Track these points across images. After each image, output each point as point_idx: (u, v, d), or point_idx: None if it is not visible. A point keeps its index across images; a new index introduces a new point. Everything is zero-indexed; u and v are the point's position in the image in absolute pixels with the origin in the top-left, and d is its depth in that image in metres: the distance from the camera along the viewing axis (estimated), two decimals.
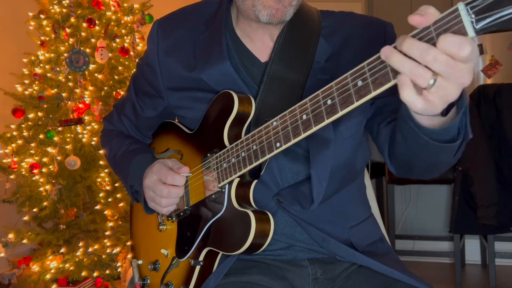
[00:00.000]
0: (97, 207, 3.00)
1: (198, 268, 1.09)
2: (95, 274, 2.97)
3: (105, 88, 3.10)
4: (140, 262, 1.27)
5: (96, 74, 3.10)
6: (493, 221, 2.83)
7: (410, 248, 3.56)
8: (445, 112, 0.78)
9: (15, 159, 3.00)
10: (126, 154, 1.26)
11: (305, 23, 1.10)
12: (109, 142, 1.33)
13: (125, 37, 3.21)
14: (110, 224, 3.00)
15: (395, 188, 3.49)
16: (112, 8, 3.17)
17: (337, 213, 1.11)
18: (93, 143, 3.01)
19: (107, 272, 2.98)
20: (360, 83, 0.77)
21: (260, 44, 1.11)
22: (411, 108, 0.71)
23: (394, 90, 1.02)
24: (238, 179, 1.04)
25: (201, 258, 1.09)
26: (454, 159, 0.91)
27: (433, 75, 0.67)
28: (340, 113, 0.81)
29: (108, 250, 2.97)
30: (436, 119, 0.80)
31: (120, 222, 3.03)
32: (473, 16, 0.64)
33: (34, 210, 3.03)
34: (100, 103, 3.00)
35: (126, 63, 3.20)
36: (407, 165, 1.00)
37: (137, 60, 3.18)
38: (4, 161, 3.03)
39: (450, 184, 3.24)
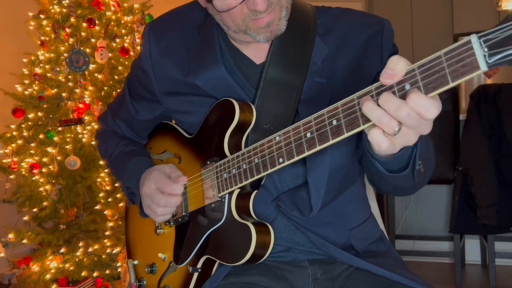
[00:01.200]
0: (97, 207, 3.00)
1: (196, 274, 1.09)
2: (95, 274, 2.97)
3: (105, 88, 3.10)
4: (136, 262, 1.27)
5: (96, 74, 3.10)
6: (493, 221, 2.83)
7: (410, 248, 3.56)
8: None
9: (15, 159, 3.00)
10: (122, 156, 1.25)
11: (300, 22, 1.08)
12: (104, 142, 1.32)
13: (125, 37, 3.21)
14: (110, 224, 3.00)
15: None
16: (112, 8, 3.17)
17: (338, 216, 1.11)
18: (93, 143, 3.01)
19: (107, 272, 2.98)
20: None
21: (255, 46, 1.09)
22: (376, 148, 0.76)
23: None
24: (239, 190, 1.03)
25: (199, 265, 1.08)
26: (418, 185, 0.96)
27: (398, 124, 0.72)
28: (346, 135, 0.79)
29: (108, 250, 2.97)
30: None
31: (120, 222, 3.03)
32: (486, 49, 0.62)
33: (34, 210, 3.03)
34: (100, 103, 3.00)
35: (126, 63, 3.20)
36: (378, 185, 1.06)
37: None
38: (4, 161, 3.03)
39: (450, 184, 3.24)
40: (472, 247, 3.42)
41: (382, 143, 0.75)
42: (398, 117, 0.70)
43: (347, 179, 1.11)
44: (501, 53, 0.61)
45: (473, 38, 0.63)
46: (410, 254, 3.45)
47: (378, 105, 0.72)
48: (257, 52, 1.09)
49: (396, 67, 0.70)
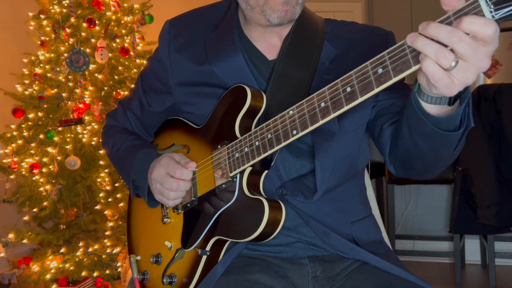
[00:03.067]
0: (97, 207, 3.00)
1: (204, 258, 1.10)
2: (95, 274, 2.97)
3: (105, 88, 3.10)
4: (138, 258, 1.27)
5: (96, 74, 3.10)
6: (493, 221, 2.83)
7: (410, 248, 3.56)
8: (452, 102, 0.84)
9: (15, 159, 3.00)
10: (130, 149, 1.27)
11: (310, 27, 1.15)
12: (112, 137, 1.34)
13: (125, 37, 3.21)
14: (110, 224, 3.00)
15: (395, 188, 3.49)
16: (112, 8, 3.17)
17: (338, 208, 1.13)
18: (93, 143, 3.01)
19: (107, 272, 2.98)
20: (380, 70, 0.80)
21: (267, 45, 1.16)
22: (431, 78, 0.74)
23: (399, 92, 1.06)
24: (250, 168, 1.05)
25: (208, 248, 1.10)
26: (453, 155, 0.96)
27: (455, 57, 0.72)
28: (360, 99, 0.83)
29: (108, 250, 2.97)
30: (443, 109, 0.86)
31: (120, 222, 3.03)
32: (492, 6, 0.69)
33: (34, 210, 3.03)
34: (100, 103, 3.00)
35: (126, 63, 3.20)
36: (407, 162, 1.05)
37: (137, 60, 3.19)
38: (4, 161, 3.03)
39: (450, 184, 3.24)
40: (472, 247, 3.42)
41: (437, 72, 0.73)
42: (451, 42, 0.70)
43: (351, 169, 1.15)
44: (504, 8, 0.69)
45: None
46: (410, 254, 3.46)
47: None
48: (269, 48, 1.16)
49: None
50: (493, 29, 0.69)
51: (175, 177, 1.11)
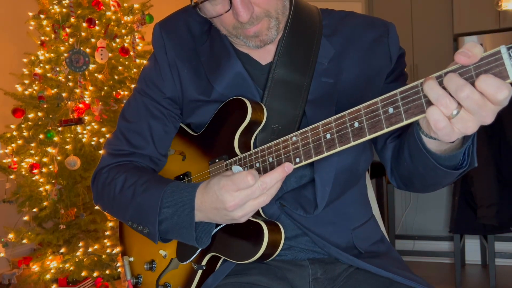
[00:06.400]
0: (97, 207, 2.99)
1: (200, 271, 1.08)
2: (95, 274, 2.97)
3: (105, 88, 3.10)
4: (131, 259, 1.25)
5: (96, 74, 3.10)
6: (493, 221, 2.83)
7: (410, 248, 3.57)
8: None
9: (15, 159, 3.00)
10: (154, 181, 1.06)
11: (306, 23, 1.09)
12: (121, 174, 1.11)
13: (125, 37, 3.21)
14: (110, 224, 3.00)
15: (395, 188, 3.48)
16: (112, 8, 3.17)
17: (341, 215, 1.11)
18: (93, 143, 3.01)
19: (107, 272, 2.98)
20: (391, 110, 0.77)
21: (259, 50, 1.10)
22: (433, 126, 0.72)
23: None
24: None
25: (204, 262, 1.07)
26: (454, 180, 0.96)
27: (457, 107, 0.70)
28: (368, 137, 0.80)
29: (108, 250, 2.97)
30: (444, 145, 0.85)
31: None
32: None
33: (34, 210, 3.04)
34: (100, 103, 3.00)
35: (126, 63, 3.20)
36: (408, 181, 1.04)
37: (137, 60, 3.18)
38: (4, 161, 3.03)
39: (450, 184, 3.24)
40: (472, 247, 3.42)
41: (441, 120, 0.71)
42: (458, 97, 0.69)
43: (352, 178, 1.11)
44: None
45: (503, 49, 0.65)
46: (410, 254, 3.46)
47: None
48: (262, 54, 1.10)
49: (474, 50, 0.68)
50: (505, 95, 0.66)
51: (265, 183, 0.90)
